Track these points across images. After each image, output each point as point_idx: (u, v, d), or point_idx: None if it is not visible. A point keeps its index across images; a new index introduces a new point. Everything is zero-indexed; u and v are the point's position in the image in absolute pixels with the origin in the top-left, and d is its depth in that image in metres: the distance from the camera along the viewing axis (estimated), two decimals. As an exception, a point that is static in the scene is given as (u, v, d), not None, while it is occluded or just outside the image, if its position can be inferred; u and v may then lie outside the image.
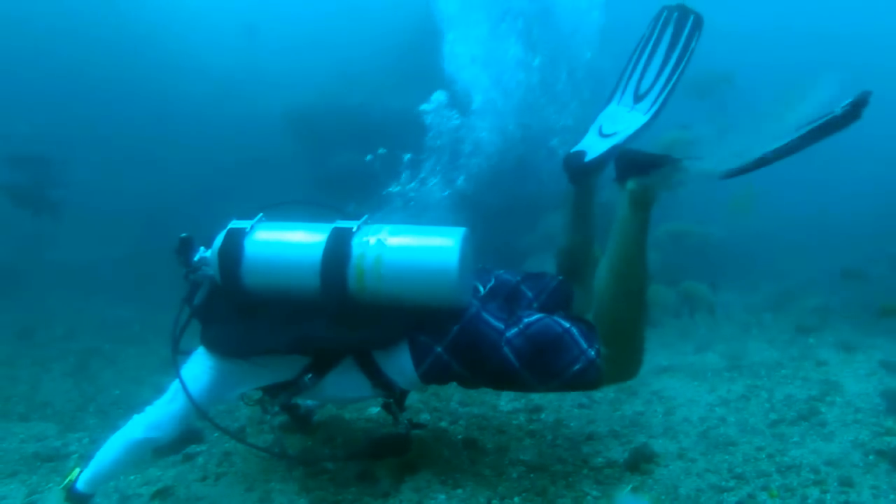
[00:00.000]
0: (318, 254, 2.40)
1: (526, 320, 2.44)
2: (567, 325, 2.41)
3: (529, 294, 2.77)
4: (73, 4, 12.07)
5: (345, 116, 7.97)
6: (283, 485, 2.72)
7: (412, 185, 4.02)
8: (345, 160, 7.60)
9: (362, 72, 8.54)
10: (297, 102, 8.64)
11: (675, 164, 2.18)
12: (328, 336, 2.42)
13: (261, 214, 2.60)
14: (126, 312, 6.34)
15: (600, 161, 2.65)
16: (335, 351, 2.48)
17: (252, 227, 2.52)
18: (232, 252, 2.46)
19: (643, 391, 3.80)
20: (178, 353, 2.52)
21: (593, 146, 2.71)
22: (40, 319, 5.98)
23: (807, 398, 3.63)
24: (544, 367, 2.39)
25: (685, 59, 2.66)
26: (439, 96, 4.42)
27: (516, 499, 2.57)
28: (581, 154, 2.71)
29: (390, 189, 3.94)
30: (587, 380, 2.40)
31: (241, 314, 2.51)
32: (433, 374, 2.47)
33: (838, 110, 1.83)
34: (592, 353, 2.36)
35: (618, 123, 2.70)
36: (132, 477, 2.82)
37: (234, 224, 2.55)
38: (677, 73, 2.66)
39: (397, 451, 2.66)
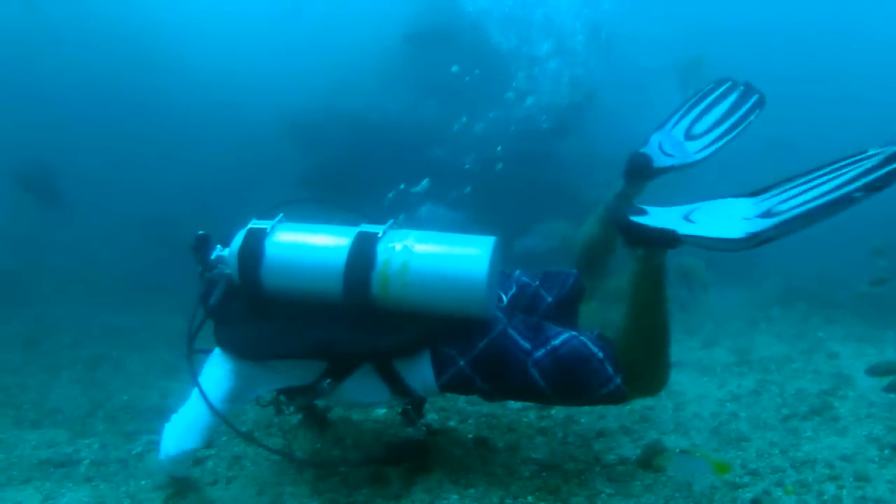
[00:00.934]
0: (341, 258, 2.37)
1: (553, 342, 2.41)
2: (595, 349, 2.39)
3: (549, 298, 2.79)
4: (74, 9, 12.13)
5: (343, 120, 7.98)
6: (294, 488, 2.70)
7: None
8: (344, 162, 7.65)
9: (361, 73, 8.54)
10: (294, 106, 8.64)
11: (680, 240, 2.22)
12: (350, 342, 2.39)
13: (281, 215, 2.58)
14: (130, 319, 6.35)
15: (662, 172, 2.80)
16: (355, 357, 2.45)
17: (273, 228, 2.50)
18: (253, 252, 2.43)
19: (653, 388, 3.78)
20: (192, 353, 2.51)
21: (657, 157, 2.82)
22: (46, 328, 5.99)
23: (818, 392, 3.61)
24: (571, 388, 2.40)
25: (739, 127, 2.85)
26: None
27: (529, 498, 2.55)
28: (647, 158, 2.79)
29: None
30: (613, 401, 2.44)
31: (257, 315, 2.49)
32: (453, 386, 2.45)
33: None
34: (619, 379, 2.36)
35: (675, 149, 2.87)
36: (143, 482, 2.82)
37: (255, 223, 2.52)
38: (728, 137, 2.85)
39: (414, 457, 2.65)
